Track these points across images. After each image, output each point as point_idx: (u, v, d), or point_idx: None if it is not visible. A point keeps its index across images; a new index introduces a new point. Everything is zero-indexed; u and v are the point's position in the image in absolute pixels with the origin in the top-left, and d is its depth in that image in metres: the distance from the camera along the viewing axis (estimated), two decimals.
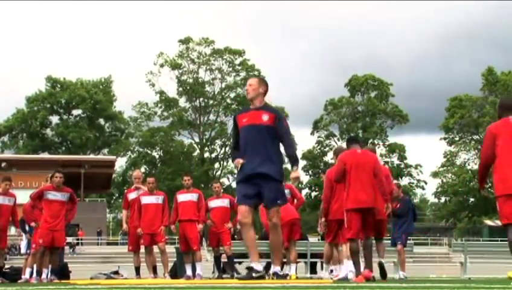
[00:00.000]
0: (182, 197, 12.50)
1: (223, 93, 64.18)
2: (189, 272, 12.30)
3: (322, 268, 12.76)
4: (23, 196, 14.05)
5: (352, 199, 8.79)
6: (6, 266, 14.48)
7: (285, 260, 11.54)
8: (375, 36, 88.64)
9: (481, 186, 7.40)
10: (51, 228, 11.56)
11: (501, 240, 41.58)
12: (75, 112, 66.91)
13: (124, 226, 12.79)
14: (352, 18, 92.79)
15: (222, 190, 13.50)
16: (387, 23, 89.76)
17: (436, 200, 64.27)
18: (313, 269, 16.57)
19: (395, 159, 62.61)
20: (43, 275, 11.62)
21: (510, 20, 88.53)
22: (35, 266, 12.05)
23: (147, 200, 12.32)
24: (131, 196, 12.72)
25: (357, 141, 9.56)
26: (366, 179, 8.81)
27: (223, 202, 12.97)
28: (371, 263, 9.00)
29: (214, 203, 13.03)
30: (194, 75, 63.38)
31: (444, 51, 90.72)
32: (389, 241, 13.34)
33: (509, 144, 6.96)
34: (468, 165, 57.75)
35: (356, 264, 8.88)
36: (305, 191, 64.32)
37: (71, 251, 36.11)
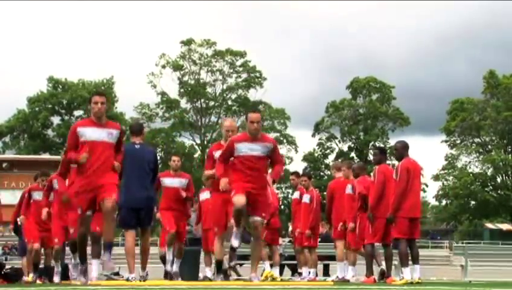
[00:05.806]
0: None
1: (224, 95, 64.21)
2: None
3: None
4: None
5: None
6: (7, 266, 14.48)
7: (271, 262, 13.04)
8: (374, 37, 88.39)
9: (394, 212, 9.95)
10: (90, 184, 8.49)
11: (502, 243, 41.53)
12: (77, 112, 66.80)
13: None
14: (351, 19, 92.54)
15: None
16: (387, 24, 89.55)
17: (437, 203, 64.18)
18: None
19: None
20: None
21: (510, 21, 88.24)
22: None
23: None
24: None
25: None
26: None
27: None
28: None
29: None
30: (196, 77, 63.40)
31: (443, 52, 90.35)
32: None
33: (407, 178, 10.10)
34: (470, 168, 57.65)
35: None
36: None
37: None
